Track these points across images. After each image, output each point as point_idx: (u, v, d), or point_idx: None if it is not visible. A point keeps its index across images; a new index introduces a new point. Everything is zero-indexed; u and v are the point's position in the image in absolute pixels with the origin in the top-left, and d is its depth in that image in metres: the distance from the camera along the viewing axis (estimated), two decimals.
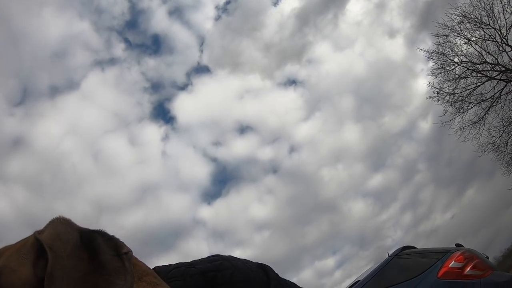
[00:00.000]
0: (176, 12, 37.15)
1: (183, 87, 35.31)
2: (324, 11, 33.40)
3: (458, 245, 4.25)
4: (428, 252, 4.20)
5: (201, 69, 37.47)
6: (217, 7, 35.45)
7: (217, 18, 34.98)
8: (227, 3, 35.61)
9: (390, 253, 4.42)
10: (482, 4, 15.74)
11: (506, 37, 15.40)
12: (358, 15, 31.50)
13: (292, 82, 33.11)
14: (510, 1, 15.13)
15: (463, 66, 16.24)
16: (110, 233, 1.04)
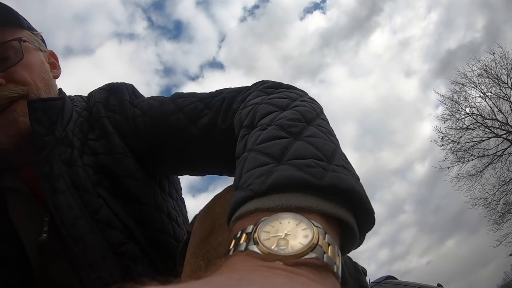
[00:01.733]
0: (204, 3, 37.33)
1: (194, 78, 35.37)
2: (348, 37, 33.57)
3: (439, 285, 4.33)
4: (410, 285, 4.28)
5: (216, 65, 37.57)
6: (244, 8, 35.62)
7: (243, 19, 35.14)
8: (256, 7, 35.77)
9: (372, 280, 4.48)
10: (505, 63, 15.89)
11: None
12: (380, 48, 31.69)
13: None
14: None
15: (473, 118, 16.33)
16: None
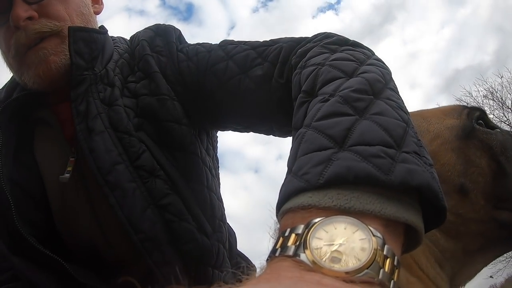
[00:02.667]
0: None
1: None
2: (358, 41, 33.71)
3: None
4: None
5: None
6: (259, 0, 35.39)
7: (255, 10, 35.09)
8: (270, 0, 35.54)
9: None
10: (511, 87, 15.94)
11: None
12: (388, 55, 31.74)
13: None
14: None
15: None
16: None
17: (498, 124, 13.76)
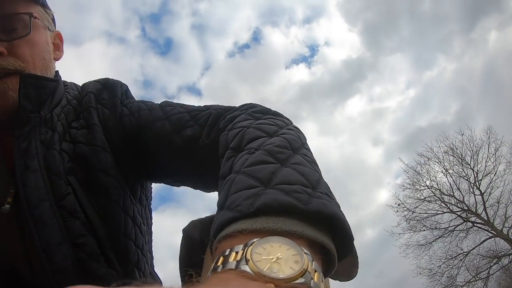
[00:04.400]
0: (199, 29, 37.73)
1: (170, 97, 35.44)
2: (326, 96, 34.39)
3: None
4: None
5: (194, 90, 37.72)
6: (235, 44, 36.17)
7: (231, 55, 35.59)
8: (247, 46, 36.35)
9: None
10: (471, 145, 16.57)
11: (479, 182, 16.14)
12: (354, 112, 32.47)
13: None
14: (496, 152, 15.97)
15: (432, 191, 16.82)
16: None
17: (457, 179, 14.05)
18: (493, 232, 15.36)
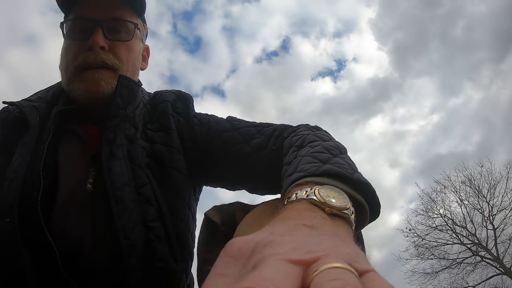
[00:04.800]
0: (229, 31, 38.02)
1: (194, 95, 35.19)
2: (349, 112, 34.16)
3: None
4: None
5: (218, 91, 37.97)
6: (264, 50, 36.33)
7: (259, 60, 35.75)
8: (275, 53, 36.50)
9: None
10: (489, 178, 16.45)
11: (493, 216, 15.99)
12: (375, 132, 32.26)
13: None
14: None
15: (444, 220, 16.70)
16: None
17: (472, 211, 13.89)
18: (501, 269, 15.15)
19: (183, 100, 1.25)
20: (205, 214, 0.95)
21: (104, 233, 0.98)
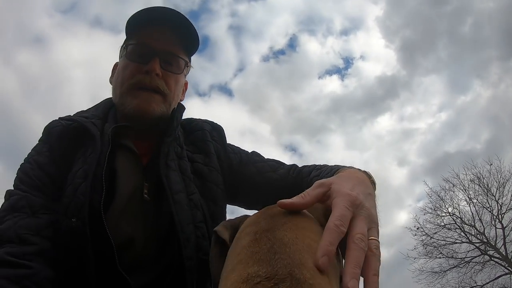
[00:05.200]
0: (236, 30, 37.99)
1: (201, 94, 35.70)
2: (356, 110, 34.00)
3: None
4: None
5: (225, 90, 38.00)
6: (271, 49, 36.27)
7: (266, 59, 35.71)
8: (282, 52, 36.43)
9: None
10: (498, 176, 16.33)
11: (502, 215, 15.91)
12: (383, 130, 32.11)
13: (293, 149, 33.56)
14: None
15: (453, 219, 16.63)
16: None
17: (480, 209, 13.82)
18: (509, 268, 15.08)
19: (218, 130, 1.49)
20: (214, 230, 0.95)
21: (151, 232, 1.17)
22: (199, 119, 1.52)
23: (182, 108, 1.38)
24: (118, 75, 1.33)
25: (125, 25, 1.35)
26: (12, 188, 1.17)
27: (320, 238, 0.72)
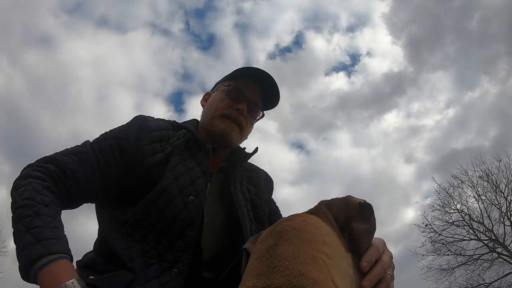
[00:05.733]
0: (242, 28, 38.04)
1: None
2: (363, 107, 33.99)
3: None
4: None
5: None
6: (277, 46, 36.24)
7: (272, 57, 35.70)
8: (288, 50, 36.40)
9: None
10: (507, 173, 16.20)
11: (511, 212, 15.78)
12: (390, 127, 32.06)
13: (299, 146, 33.55)
14: None
15: (461, 216, 16.54)
16: None
17: (489, 206, 13.71)
18: None
19: (270, 180, 1.88)
20: (243, 248, 1.00)
21: (219, 232, 1.47)
22: (256, 166, 1.89)
23: (255, 151, 1.71)
24: (214, 103, 1.69)
25: (233, 71, 1.74)
26: (91, 141, 1.48)
27: (328, 248, 0.83)
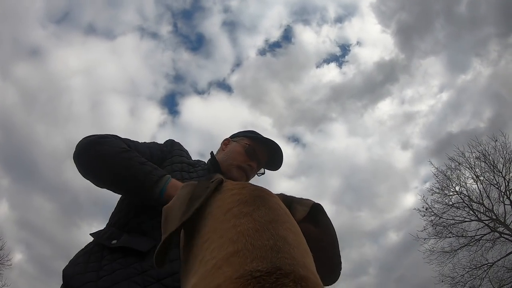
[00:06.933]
0: (230, 25, 37.87)
1: (200, 92, 35.81)
2: (357, 97, 33.99)
3: None
4: None
5: (224, 86, 38.02)
6: (267, 42, 36.14)
7: (262, 53, 35.63)
8: (278, 45, 36.30)
9: None
10: (504, 152, 16.24)
11: (510, 191, 15.84)
12: (384, 115, 32.13)
13: (295, 139, 33.57)
14: None
15: (461, 198, 16.59)
16: None
17: (488, 186, 13.75)
18: None
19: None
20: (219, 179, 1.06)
21: None
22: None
23: None
24: (233, 153, 2.15)
25: (251, 131, 2.28)
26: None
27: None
